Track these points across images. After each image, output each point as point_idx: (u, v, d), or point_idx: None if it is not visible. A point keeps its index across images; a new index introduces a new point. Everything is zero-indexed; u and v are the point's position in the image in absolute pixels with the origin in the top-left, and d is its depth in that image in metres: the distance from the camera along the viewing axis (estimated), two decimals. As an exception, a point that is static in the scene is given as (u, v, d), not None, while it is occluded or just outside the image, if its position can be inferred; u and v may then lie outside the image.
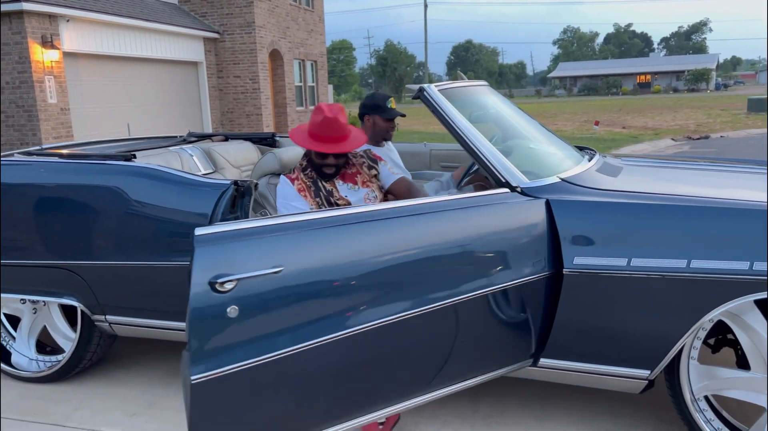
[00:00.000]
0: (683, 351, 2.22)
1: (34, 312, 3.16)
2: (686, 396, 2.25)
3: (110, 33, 12.63)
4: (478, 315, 2.15)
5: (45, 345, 3.24)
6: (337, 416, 2.01)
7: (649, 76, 63.46)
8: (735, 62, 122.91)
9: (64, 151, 3.12)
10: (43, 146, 3.49)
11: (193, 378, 1.77)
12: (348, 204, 2.64)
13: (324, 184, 2.67)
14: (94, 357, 3.08)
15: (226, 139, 4.27)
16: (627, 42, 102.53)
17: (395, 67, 76.66)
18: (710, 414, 2.26)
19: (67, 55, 11.61)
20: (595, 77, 66.57)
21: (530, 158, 2.61)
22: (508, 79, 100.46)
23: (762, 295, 2.02)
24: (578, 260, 2.17)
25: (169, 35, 14.46)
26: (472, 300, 2.12)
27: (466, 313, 2.12)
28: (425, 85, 2.49)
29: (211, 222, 2.57)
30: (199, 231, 1.82)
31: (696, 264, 2.06)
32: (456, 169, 3.54)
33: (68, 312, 3.14)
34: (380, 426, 2.46)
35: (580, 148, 3.26)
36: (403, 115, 3.50)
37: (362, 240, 1.96)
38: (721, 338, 2.47)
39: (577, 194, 2.30)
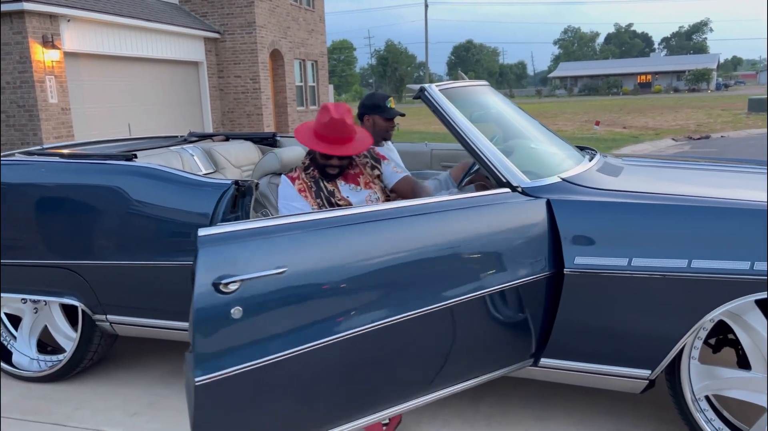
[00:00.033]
0: (684, 351, 2.22)
1: (35, 312, 3.16)
2: (687, 396, 2.25)
3: (111, 33, 12.64)
4: (479, 316, 2.15)
5: (46, 344, 3.24)
6: (342, 416, 2.01)
7: (649, 76, 63.44)
8: (736, 62, 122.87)
9: (65, 151, 3.13)
10: (44, 146, 3.49)
11: (197, 379, 1.76)
12: (349, 205, 2.63)
13: (326, 184, 2.66)
14: (95, 357, 3.09)
15: (227, 138, 4.28)
16: (628, 42, 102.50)
17: (396, 67, 76.66)
18: (711, 414, 2.26)
19: (68, 54, 11.61)
20: (595, 77, 66.55)
21: (531, 158, 2.61)
22: (509, 79, 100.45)
23: (763, 295, 2.02)
24: (579, 260, 2.17)
25: (170, 35, 14.47)
26: (474, 300, 2.12)
27: (468, 313, 2.12)
28: (426, 85, 2.49)
29: (212, 222, 2.57)
30: (202, 231, 1.81)
31: (697, 264, 2.06)
32: (453, 167, 3.54)
33: (69, 312, 3.14)
34: (384, 427, 2.45)
35: (581, 148, 3.26)
36: (403, 115, 3.50)
37: (364, 240, 1.96)
38: (722, 338, 2.47)
39: (578, 194, 2.30)
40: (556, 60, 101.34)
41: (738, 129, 16.66)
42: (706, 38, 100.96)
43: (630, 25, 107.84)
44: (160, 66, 14.49)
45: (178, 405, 2.84)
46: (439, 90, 2.49)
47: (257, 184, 2.70)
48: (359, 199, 2.66)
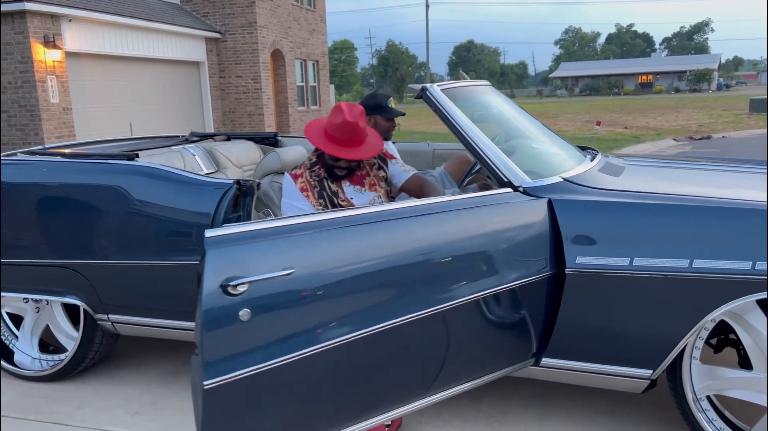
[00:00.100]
0: (685, 351, 2.22)
1: (37, 311, 3.16)
2: (688, 396, 2.25)
3: (112, 33, 12.65)
4: (482, 316, 2.15)
5: (48, 344, 3.25)
6: (348, 418, 2.01)
7: (650, 77, 63.39)
8: (737, 62, 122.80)
9: (67, 151, 3.13)
10: (46, 145, 3.50)
11: (206, 383, 1.74)
12: (351, 206, 2.61)
13: (330, 184, 2.64)
14: (96, 356, 3.09)
15: (228, 138, 4.28)
16: (629, 42, 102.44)
17: (397, 67, 76.64)
18: (712, 414, 2.26)
19: (70, 54, 11.63)
20: (596, 77, 66.51)
21: (532, 158, 2.61)
22: (510, 79, 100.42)
23: (764, 295, 2.02)
24: (580, 260, 2.17)
25: (171, 35, 14.48)
26: (477, 301, 2.12)
27: (471, 314, 2.12)
28: (428, 85, 2.49)
29: (213, 222, 2.57)
30: (209, 233, 1.78)
31: (698, 263, 2.06)
32: (448, 162, 3.55)
33: (71, 312, 3.14)
34: (386, 428, 2.45)
35: (582, 148, 3.26)
36: (404, 114, 3.50)
37: (369, 241, 1.95)
38: (724, 338, 2.46)
39: (580, 194, 2.30)
40: (557, 60, 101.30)
41: (739, 129, 16.65)
42: (707, 38, 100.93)
43: (631, 25, 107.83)
44: (161, 66, 14.50)
45: (179, 404, 2.84)
46: (441, 90, 2.49)
47: (259, 184, 2.70)
48: (363, 201, 2.64)
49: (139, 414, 2.76)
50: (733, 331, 2.31)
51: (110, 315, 2.87)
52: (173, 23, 14.20)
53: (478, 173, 3.21)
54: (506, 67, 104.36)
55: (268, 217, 3.39)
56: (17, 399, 2.94)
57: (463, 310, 2.10)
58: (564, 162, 2.63)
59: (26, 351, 3.18)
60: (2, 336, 3.22)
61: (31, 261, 2.89)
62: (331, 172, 2.63)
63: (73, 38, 11.61)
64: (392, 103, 3.29)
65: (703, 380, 2.24)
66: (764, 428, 2.18)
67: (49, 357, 3.16)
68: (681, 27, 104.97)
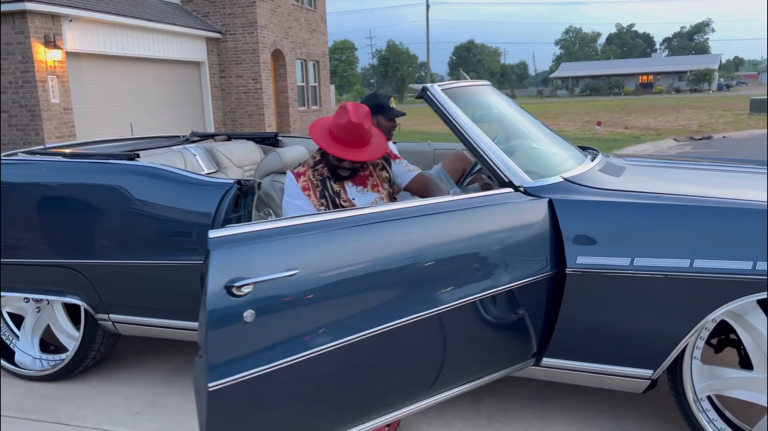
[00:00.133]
0: (686, 351, 2.22)
1: (38, 311, 3.16)
2: (689, 396, 2.25)
3: (113, 33, 12.65)
4: (483, 316, 2.15)
5: (48, 344, 3.25)
6: (352, 419, 2.00)
7: (651, 77, 63.38)
8: (737, 62, 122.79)
9: (68, 151, 3.13)
10: (47, 145, 3.50)
11: (210, 385, 1.73)
12: (353, 207, 2.60)
13: (332, 184, 2.62)
14: (97, 356, 3.09)
15: (229, 138, 4.28)
16: (629, 42, 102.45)
17: (397, 67, 76.64)
18: (713, 414, 2.26)
19: (70, 54, 11.63)
20: (597, 77, 66.51)
21: (533, 158, 2.61)
22: (510, 79, 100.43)
23: (764, 295, 2.02)
24: (581, 259, 2.17)
25: (172, 35, 14.48)
26: (478, 301, 2.12)
27: (473, 314, 2.12)
28: (428, 85, 2.49)
29: (214, 222, 2.57)
30: (213, 233, 1.77)
31: (699, 263, 2.06)
32: (445, 159, 3.56)
33: (72, 311, 3.14)
34: (386, 428, 2.45)
35: (583, 148, 3.26)
36: (404, 114, 3.50)
37: (371, 241, 1.95)
38: (724, 338, 2.46)
39: (580, 194, 2.30)
40: (558, 60, 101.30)
41: (740, 129, 16.65)
42: (707, 38, 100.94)
43: (632, 25, 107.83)
44: (161, 66, 14.51)
45: (180, 404, 2.84)
46: (442, 90, 2.49)
47: (260, 184, 2.70)
48: (365, 202, 2.63)
49: (140, 414, 2.77)
50: (734, 331, 2.31)
51: (111, 315, 2.87)
52: (174, 23, 14.21)
53: (478, 173, 3.21)
54: (507, 67, 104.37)
55: (269, 217, 3.40)
56: (18, 398, 2.94)
57: (465, 311, 2.10)
58: (565, 162, 2.63)
59: (27, 350, 3.18)
60: (3, 336, 3.22)
61: (32, 261, 2.89)
62: (335, 172, 2.61)
63: (74, 38, 11.62)
64: (393, 104, 3.29)
65: (704, 380, 2.24)
66: (765, 428, 2.18)
67: (50, 356, 3.16)
68: (681, 27, 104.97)
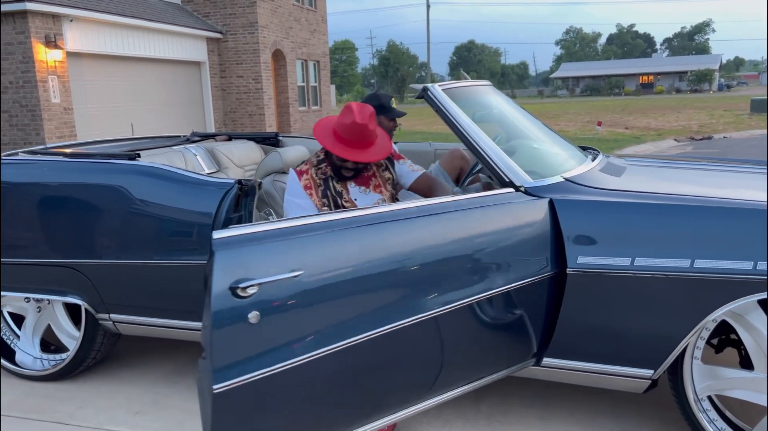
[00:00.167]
0: (687, 351, 2.22)
1: (39, 311, 3.17)
2: (689, 396, 2.25)
3: (113, 33, 12.66)
4: (485, 316, 2.15)
5: (49, 343, 3.25)
6: (357, 420, 2.00)
7: (651, 77, 63.37)
8: (738, 63, 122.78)
9: (69, 150, 3.13)
10: (48, 145, 3.50)
11: (215, 387, 1.71)
12: (355, 207, 2.60)
13: (335, 183, 2.61)
14: (98, 356, 3.09)
15: (230, 138, 4.28)
16: (630, 42, 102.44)
17: (397, 68, 76.65)
18: (713, 414, 2.26)
19: (71, 54, 11.64)
20: (597, 78, 66.50)
21: (534, 158, 2.61)
22: (511, 79, 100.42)
23: (765, 295, 2.02)
24: (582, 259, 2.18)
25: (172, 35, 14.49)
26: (480, 301, 2.12)
27: (474, 315, 2.12)
28: (429, 85, 2.49)
29: (215, 222, 2.57)
30: (217, 234, 1.76)
31: (699, 263, 2.06)
32: (442, 157, 3.56)
33: (72, 311, 3.15)
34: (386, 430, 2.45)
35: (584, 148, 3.26)
36: (405, 114, 3.51)
37: (375, 242, 1.94)
38: (725, 338, 2.46)
39: (581, 194, 2.30)
40: (558, 60, 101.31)
41: (740, 130, 16.65)
42: (708, 39, 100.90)
43: (632, 25, 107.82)
44: (162, 66, 14.51)
45: (181, 404, 2.84)
46: (442, 89, 2.49)
47: (260, 183, 2.70)
48: (367, 203, 2.62)
49: (141, 413, 2.77)
50: (735, 331, 2.31)
51: (112, 315, 2.87)
52: (174, 23, 14.21)
53: (479, 173, 3.21)
54: (507, 68, 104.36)
55: (270, 217, 3.40)
56: (19, 398, 2.94)
57: (466, 311, 2.10)
58: (565, 162, 2.63)
59: (28, 350, 3.18)
60: (4, 336, 3.22)
61: (32, 261, 2.90)
62: (338, 173, 2.60)
63: (75, 38, 11.63)
64: (394, 104, 3.30)
65: (705, 380, 2.24)
66: (765, 428, 2.18)
67: (51, 356, 3.16)
68: (682, 27, 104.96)
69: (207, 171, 3.65)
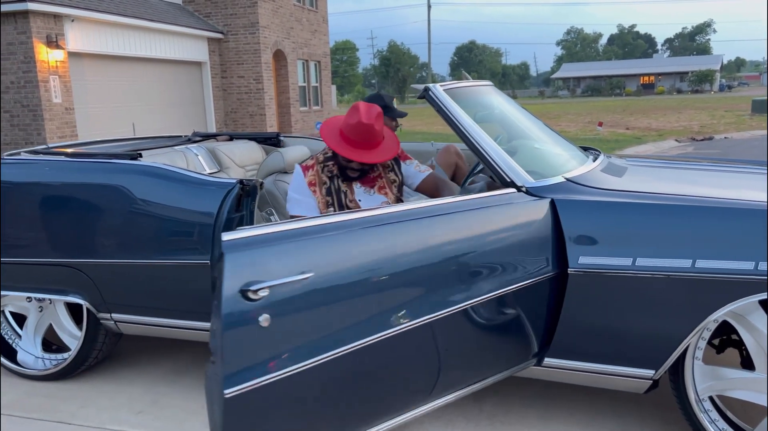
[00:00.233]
0: (688, 352, 2.22)
1: (40, 311, 3.17)
2: (691, 397, 2.26)
3: (115, 33, 12.67)
4: (488, 318, 2.15)
5: (51, 343, 3.26)
6: (366, 421, 2.00)
7: (652, 77, 63.34)
8: (739, 63, 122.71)
9: (70, 150, 3.14)
10: (50, 145, 3.51)
11: (227, 392, 1.69)
12: (358, 208, 2.59)
13: (340, 182, 2.60)
14: (99, 355, 3.10)
15: (231, 138, 4.29)
16: (631, 43, 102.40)
17: (398, 68, 76.66)
18: (715, 415, 2.26)
19: (72, 54, 11.65)
20: (598, 78, 66.49)
21: (535, 158, 2.62)
22: (512, 79, 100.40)
23: (766, 295, 2.02)
24: (583, 260, 2.18)
25: (174, 35, 14.50)
26: (483, 302, 2.12)
27: (478, 316, 2.12)
28: (430, 85, 2.50)
29: (216, 221, 2.57)
30: (226, 236, 1.73)
31: (701, 264, 2.06)
32: (437, 155, 3.57)
33: (74, 311, 3.15)
34: None
35: (585, 149, 3.26)
36: (406, 114, 3.52)
37: (375, 243, 1.93)
38: (726, 338, 2.47)
39: (582, 194, 2.30)
40: (559, 61, 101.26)
41: (741, 130, 16.64)
42: (709, 39, 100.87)
43: (633, 26, 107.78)
44: (163, 66, 14.52)
45: (182, 403, 2.85)
46: (444, 90, 2.49)
47: (262, 183, 2.70)
48: (371, 204, 2.61)
49: (143, 413, 2.77)
50: (736, 332, 2.32)
51: (113, 314, 2.87)
52: (175, 23, 14.22)
53: (480, 173, 3.22)
54: (508, 68, 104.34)
55: (272, 217, 3.41)
56: (20, 398, 2.95)
57: (469, 312, 2.10)
58: (566, 162, 2.63)
59: (29, 350, 3.19)
60: (6, 335, 3.23)
61: (34, 260, 2.90)
62: (344, 173, 2.59)
63: (76, 38, 11.64)
64: (395, 104, 3.30)
65: (706, 380, 2.25)
66: (766, 429, 2.18)
67: (52, 356, 3.17)
68: (683, 28, 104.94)
69: (208, 171, 3.65)
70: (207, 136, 4.28)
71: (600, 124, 18.36)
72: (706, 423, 2.25)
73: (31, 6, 10.37)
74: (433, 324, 2.02)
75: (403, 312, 1.95)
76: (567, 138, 3.10)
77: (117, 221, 2.71)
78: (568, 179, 2.40)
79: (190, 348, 3.48)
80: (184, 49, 14.97)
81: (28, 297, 3.15)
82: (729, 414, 2.29)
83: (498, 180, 2.37)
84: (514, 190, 2.32)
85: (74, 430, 2.64)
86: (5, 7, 10.36)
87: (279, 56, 17.59)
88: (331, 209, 2.59)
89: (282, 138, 4.30)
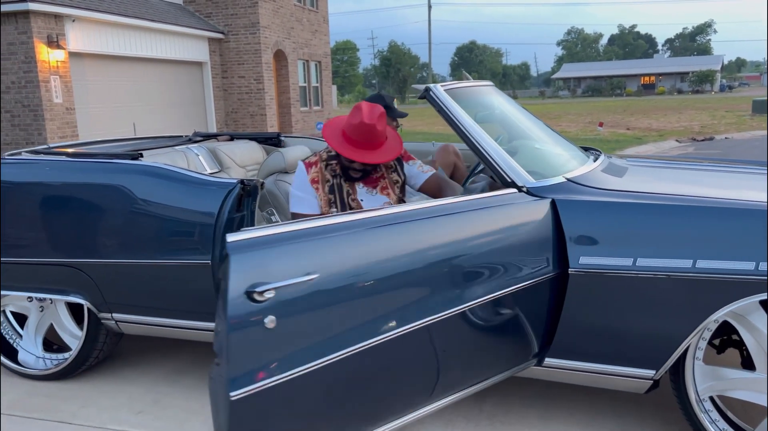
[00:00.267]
0: (688, 352, 2.22)
1: (41, 310, 3.17)
2: (691, 397, 2.26)
3: (115, 33, 12.68)
4: (489, 318, 2.15)
5: (52, 343, 3.26)
6: (371, 422, 2.00)
7: (653, 78, 63.32)
8: (740, 64, 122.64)
9: (71, 150, 3.14)
10: (51, 145, 3.51)
11: (233, 394, 1.68)
12: (360, 207, 2.59)
13: (343, 182, 2.60)
14: (100, 355, 3.10)
15: (232, 138, 4.29)
16: (631, 43, 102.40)
17: (399, 68, 76.66)
18: (715, 415, 2.26)
19: (73, 54, 11.66)
20: (599, 78, 66.47)
21: (536, 158, 2.62)
22: (512, 80, 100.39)
23: (766, 296, 2.02)
24: (584, 260, 2.18)
25: (174, 35, 14.50)
26: (485, 303, 2.12)
27: (479, 316, 2.13)
28: (431, 85, 2.50)
29: (217, 221, 2.57)
30: (231, 237, 1.72)
31: (701, 264, 2.06)
32: (435, 154, 3.57)
33: (75, 310, 3.15)
34: None
35: (585, 149, 3.26)
36: (407, 115, 3.52)
37: (376, 245, 1.93)
38: (726, 339, 2.47)
39: (583, 194, 2.30)
40: (560, 61, 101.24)
41: (742, 130, 16.63)
42: (710, 40, 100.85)
43: (634, 26, 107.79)
44: (164, 66, 14.53)
45: (183, 403, 2.85)
46: (444, 90, 2.49)
47: (263, 183, 2.70)
48: (373, 204, 2.61)
49: (143, 413, 2.77)
50: (736, 332, 2.32)
51: (114, 314, 2.88)
52: (176, 23, 14.23)
53: (481, 173, 3.22)
54: (508, 68, 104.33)
55: (272, 216, 3.41)
56: (21, 397, 2.95)
57: (471, 313, 2.10)
58: (567, 162, 2.63)
59: (30, 350, 3.19)
60: (6, 335, 3.23)
61: (35, 260, 2.90)
62: (346, 173, 2.59)
63: (77, 38, 11.64)
64: (396, 104, 3.31)
65: (706, 381, 2.25)
66: (766, 429, 2.18)
67: (53, 356, 3.17)
68: (684, 28, 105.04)
69: (209, 171, 3.65)
70: (208, 136, 4.28)
71: (600, 125, 18.36)
72: (706, 423, 2.25)
73: (32, 6, 10.38)
74: (435, 325, 2.02)
75: (406, 314, 1.95)
76: (567, 138, 3.10)
77: (118, 221, 2.71)
78: (568, 179, 2.40)
79: (191, 348, 3.48)
80: (185, 49, 14.97)
81: (29, 297, 3.16)
82: (729, 414, 2.30)
83: (499, 180, 2.37)
84: (515, 190, 2.32)
85: (75, 430, 2.65)
86: (6, 7, 10.36)
87: (279, 56, 17.60)
88: (334, 208, 2.59)
89: (283, 138, 4.30)
